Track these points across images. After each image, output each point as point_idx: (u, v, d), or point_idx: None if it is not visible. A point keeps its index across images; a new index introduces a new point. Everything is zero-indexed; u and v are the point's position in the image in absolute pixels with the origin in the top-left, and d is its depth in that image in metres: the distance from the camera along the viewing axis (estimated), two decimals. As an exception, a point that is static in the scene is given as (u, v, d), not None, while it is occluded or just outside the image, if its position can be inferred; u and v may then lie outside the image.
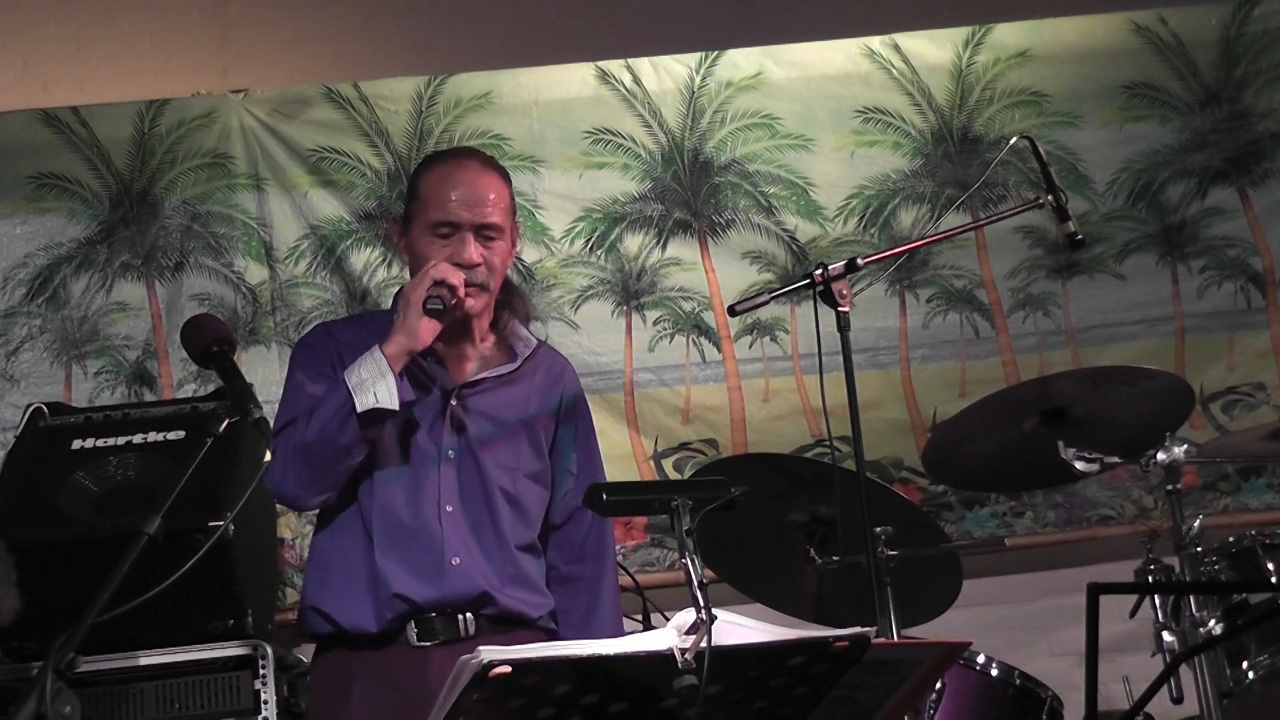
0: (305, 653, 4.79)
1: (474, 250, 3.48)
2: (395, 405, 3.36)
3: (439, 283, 3.39)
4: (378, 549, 3.43)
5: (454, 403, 3.52)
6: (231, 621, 4.17)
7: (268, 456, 3.56)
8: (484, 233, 3.51)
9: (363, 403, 3.34)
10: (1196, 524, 4.08)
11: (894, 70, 5.80)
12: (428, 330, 3.40)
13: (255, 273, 5.55)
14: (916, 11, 5.91)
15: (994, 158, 5.38)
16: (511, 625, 3.48)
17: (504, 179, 3.63)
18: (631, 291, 5.64)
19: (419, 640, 3.42)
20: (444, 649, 3.39)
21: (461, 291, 3.42)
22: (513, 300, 3.69)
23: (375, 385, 3.35)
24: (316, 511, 3.59)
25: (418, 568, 3.42)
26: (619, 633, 3.64)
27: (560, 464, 3.65)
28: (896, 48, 5.82)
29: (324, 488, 3.45)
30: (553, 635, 3.55)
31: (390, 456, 3.48)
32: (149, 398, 5.39)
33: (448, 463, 3.49)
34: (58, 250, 5.54)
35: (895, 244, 5.54)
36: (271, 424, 3.51)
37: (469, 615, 3.44)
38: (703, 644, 2.45)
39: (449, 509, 3.47)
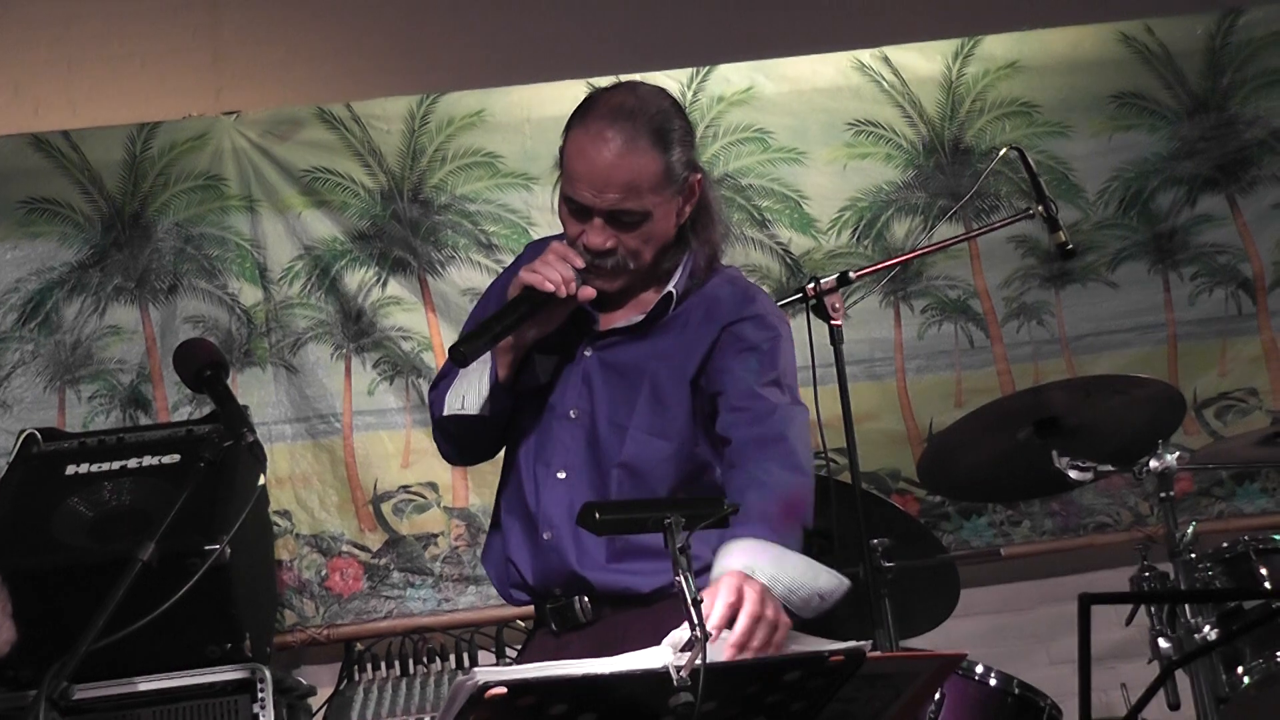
0: (305, 675, 4.81)
1: (603, 237, 3.13)
2: (481, 411, 3.18)
3: (526, 287, 3.09)
4: (503, 511, 3.28)
5: (587, 354, 3.25)
6: (229, 645, 4.15)
7: (261, 480, 3.55)
8: (618, 218, 3.12)
9: (450, 404, 3.19)
10: (1190, 530, 4.09)
11: (885, 83, 5.82)
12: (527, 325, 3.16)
13: (249, 294, 5.56)
14: (906, 24, 5.92)
15: (985, 168, 5.39)
16: (625, 604, 3.15)
17: (656, 144, 3.14)
18: (627, 306, 5.64)
19: (555, 627, 3.20)
20: (576, 634, 3.18)
21: (564, 290, 3.08)
22: (698, 229, 3.26)
23: (468, 387, 3.18)
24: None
25: (522, 538, 3.23)
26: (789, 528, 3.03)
27: (710, 387, 3.21)
28: (887, 60, 5.83)
29: (471, 455, 3.35)
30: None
31: (527, 410, 3.25)
32: (144, 421, 5.39)
33: (568, 423, 3.22)
34: (50, 275, 5.54)
35: (889, 255, 5.54)
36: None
37: (585, 599, 3.16)
38: (698, 661, 2.45)
39: (560, 475, 3.20)
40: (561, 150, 3.21)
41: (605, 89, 3.26)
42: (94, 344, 5.50)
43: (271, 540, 5.13)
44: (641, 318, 3.23)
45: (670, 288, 3.24)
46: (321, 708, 4.74)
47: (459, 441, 3.31)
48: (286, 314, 5.56)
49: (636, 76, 5.65)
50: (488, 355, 3.14)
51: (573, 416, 3.23)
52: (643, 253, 3.18)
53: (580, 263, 3.15)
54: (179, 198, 5.61)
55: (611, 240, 3.14)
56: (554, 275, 3.08)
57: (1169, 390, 4.41)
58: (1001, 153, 4.35)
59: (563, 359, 3.25)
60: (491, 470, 3.43)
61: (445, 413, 3.21)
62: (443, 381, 3.31)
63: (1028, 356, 5.69)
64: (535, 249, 3.36)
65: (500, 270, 5.55)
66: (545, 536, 3.18)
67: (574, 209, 3.16)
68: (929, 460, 4.61)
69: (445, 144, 5.68)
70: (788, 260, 5.70)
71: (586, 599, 3.17)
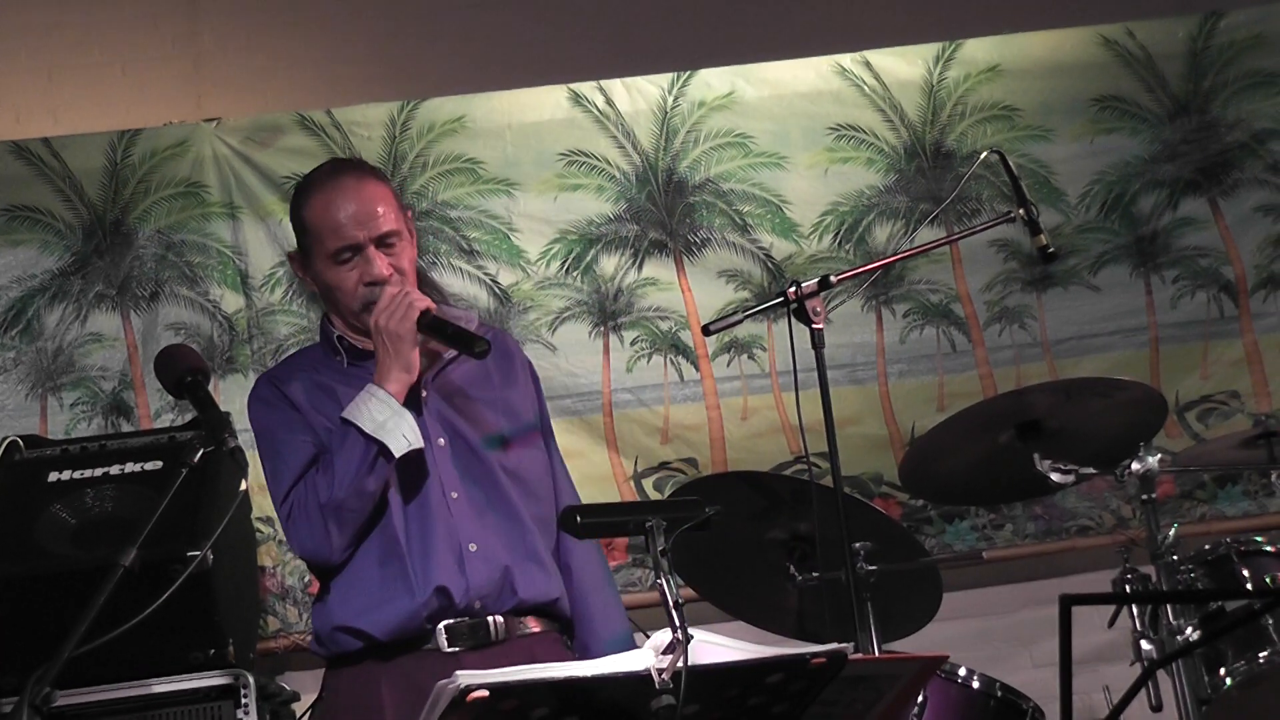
0: (289, 680, 4.79)
1: (382, 264, 3.43)
2: (422, 442, 3.34)
3: (427, 311, 3.36)
4: (407, 554, 3.37)
5: (424, 392, 3.47)
6: (212, 651, 4.13)
7: (244, 485, 3.55)
8: (385, 241, 3.45)
9: (397, 447, 3.30)
10: (1172, 533, 4.09)
11: (866, 87, 5.82)
12: (418, 359, 3.39)
13: (231, 301, 5.55)
14: (887, 28, 5.93)
15: (967, 172, 5.38)
16: (534, 615, 3.44)
17: (382, 179, 3.59)
18: (608, 312, 5.65)
19: (449, 646, 3.35)
20: (474, 654, 3.33)
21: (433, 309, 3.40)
22: (428, 290, 3.58)
23: (398, 426, 3.31)
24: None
25: (442, 561, 3.36)
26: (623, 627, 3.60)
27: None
28: (868, 65, 5.84)
29: (355, 538, 3.41)
30: (567, 632, 3.52)
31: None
32: (126, 428, 5.38)
33: (440, 451, 3.44)
34: (31, 282, 5.52)
35: (871, 260, 5.55)
36: (269, 486, 3.49)
37: (498, 618, 3.38)
38: (679, 664, 2.45)
39: (454, 495, 3.42)
40: (302, 226, 3.52)
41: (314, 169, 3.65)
42: (75, 351, 5.48)
43: (254, 546, 5.11)
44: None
45: (469, 313, 3.58)
46: (305, 713, 4.72)
47: (374, 499, 3.39)
48: (268, 321, 5.55)
49: (618, 82, 5.76)
50: (387, 396, 3.35)
51: (442, 445, 3.46)
52: (409, 276, 3.49)
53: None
54: (160, 205, 5.60)
55: (389, 266, 3.43)
56: (425, 299, 3.39)
57: (1151, 393, 4.42)
58: (983, 156, 4.36)
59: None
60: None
61: (397, 454, 3.31)
62: (328, 465, 3.38)
63: (1009, 360, 5.70)
64: (268, 381, 3.61)
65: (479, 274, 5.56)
66: (471, 548, 3.38)
67: (343, 259, 3.44)
68: (911, 464, 4.61)
69: (426, 150, 5.68)
70: (769, 265, 5.70)
71: (500, 619, 3.38)
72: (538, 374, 3.74)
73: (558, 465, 3.66)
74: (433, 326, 3.37)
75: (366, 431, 3.31)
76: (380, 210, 3.46)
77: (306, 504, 3.38)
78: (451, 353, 3.51)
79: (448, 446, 3.46)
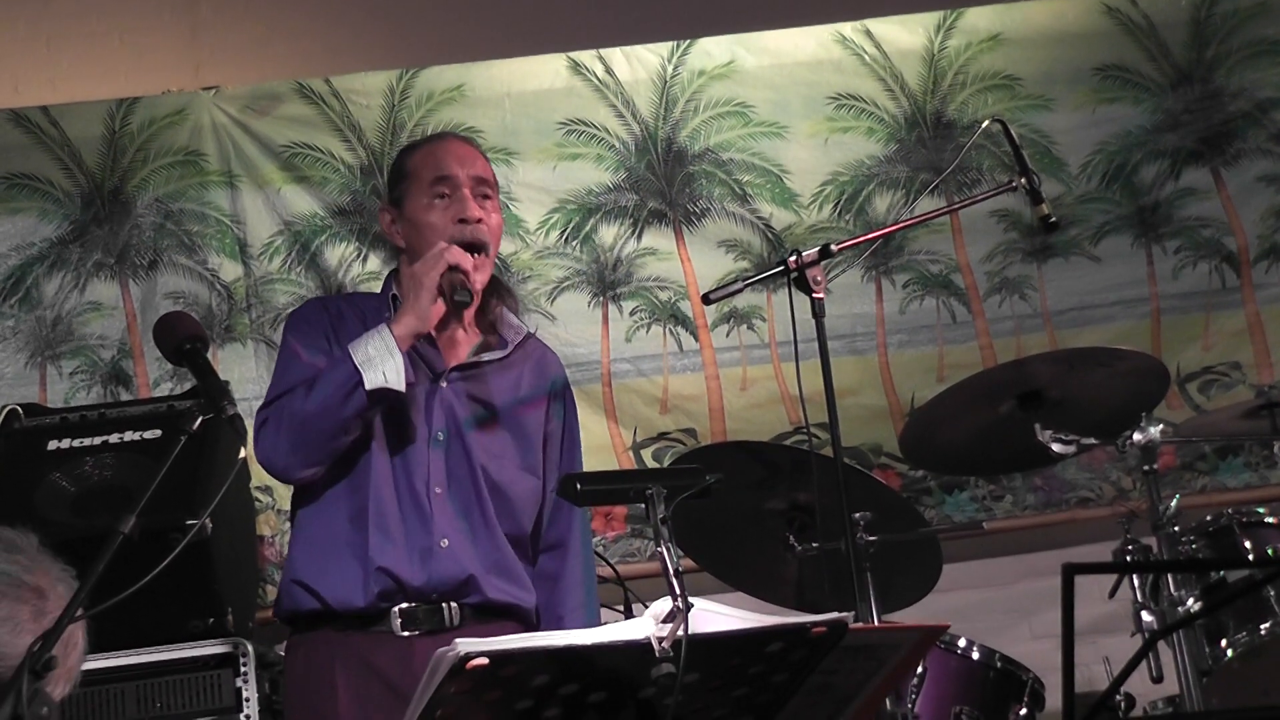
0: (287, 649, 4.79)
1: (474, 204, 3.51)
2: (402, 387, 3.36)
3: (454, 268, 3.40)
4: (371, 525, 3.42)
5: (445, 385, 3.53)
6: (211, 620, 4.15)
7: (242, 453, 3.55)
8: (480, 189, 3.55)
9: (371, 380, 3.34)
10: (1173, 504, 4.09)
11: (866, 56, 5.80)
12: (436, 314, 3.43)
13: (230, 270, 5.54)
14: (888, -3, 5.91)
15: (968, 142, 5.36)
16: (495, 616, 3.47)
17: (486, 157, 3.69)
18: (607, 282, 5.63)
19: (402, 630, 3.40)
20: (429, 639, 3.35)
21: (474, 279, 3.44)
22: (500, 291, 3.68)
23: (384, 364, 3.35)
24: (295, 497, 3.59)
25: (408, 547, 3.42)
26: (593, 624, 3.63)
27: (548, 456, 3.65)
28: (868, 33, 5.81)
29: (315, 461, 3.45)
30: (533, 629, 3.53)
31: (381, 434, 3.48)
32: (125, 397, 5.37)
33: (437, 445, 3.49)
34: (30, 251, 5.52)
35: (871, 230, 5.53)
36: (265, 393, 3.56)
37: (454, 605, 3.43)
38: (680, 632, 2.44)
39: (438, 491, 3.46)
40: (401, 173, 3.62)
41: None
42: (74, 320, 5.48)
43: (253, 515, 5.11)
44: (505, 353, 3.59)
45: (521, 325, 3.65)
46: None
47: (343, 429, 3.42)
48: (267, 289, 5.54)
49: (617, 50, 5.74)
50: (389, 337, 3.38)
51: (440, 439, 3.50)
52: (494, 239, 3.54)
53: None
54: (158, 173, 5.58)
55: (480, 211, 3.50)
56: (466, 258, 3.42)
57: (1152, 363, 4.42)
58: (984, 125, 4.33)
59: (415, 388, 3.48)
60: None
61: (368, 387, 3.34)
62: (314, 382, 3.43)
63: (1010, 331, 5.68)
64: (319, 303, 3.80)
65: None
66: (443, 544, 3.42)
67: (439, 192, 3.53)
68: (911, 434, 4.61)
69: (425, 119, 5.66)
70: (769, 235, 5.68)
71: (455, 605, 3.43)
72: (569, 391, 3.75)
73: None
74: (449, 284, 3.41)
75: (356, 361, 3.36)
76: (480, 160, 3.62)
77: (281, 413, 3.44)
78: (489, 355, 3.57)
79: (445, 443, 3.50)
